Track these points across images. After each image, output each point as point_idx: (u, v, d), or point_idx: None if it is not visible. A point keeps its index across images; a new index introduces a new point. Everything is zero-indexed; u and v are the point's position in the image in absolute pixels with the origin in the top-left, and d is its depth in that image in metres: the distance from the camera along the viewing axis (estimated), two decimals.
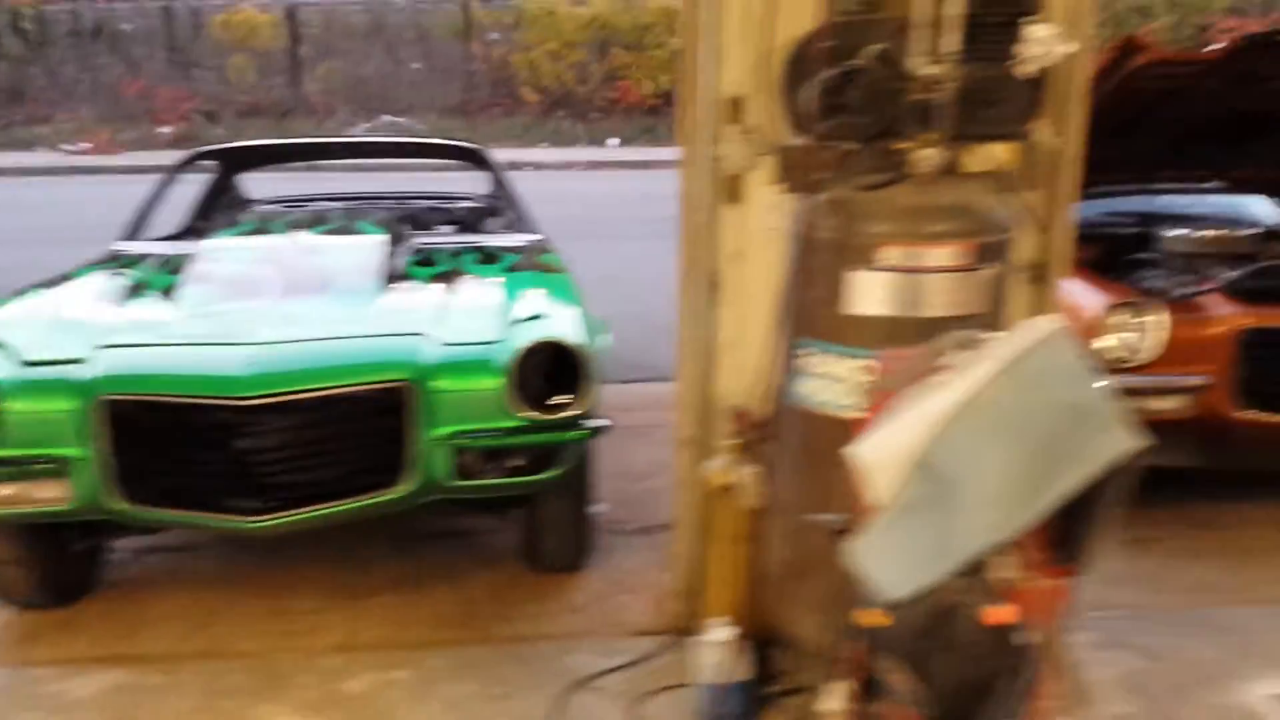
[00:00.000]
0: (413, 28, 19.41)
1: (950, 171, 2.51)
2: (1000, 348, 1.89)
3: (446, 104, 18.64)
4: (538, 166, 14.63)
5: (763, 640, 2.97)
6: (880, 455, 1.85)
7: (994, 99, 2.43)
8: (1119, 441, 1.79)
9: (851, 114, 2.42)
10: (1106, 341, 3.71)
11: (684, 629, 3.20)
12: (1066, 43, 2.37)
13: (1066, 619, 2.44)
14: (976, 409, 1.81)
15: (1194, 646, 3.29)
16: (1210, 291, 3.91)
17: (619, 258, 8.24)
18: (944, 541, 1.79)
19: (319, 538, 3.85)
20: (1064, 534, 2.08)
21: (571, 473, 3.43)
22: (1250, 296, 3.86)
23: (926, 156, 2.40)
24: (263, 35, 18.88)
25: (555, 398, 3.24)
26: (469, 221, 5.19)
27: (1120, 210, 4.92)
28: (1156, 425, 3.77)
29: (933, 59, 2.32)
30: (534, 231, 4.64)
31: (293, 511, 3.13)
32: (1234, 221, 4.71)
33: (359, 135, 15.85)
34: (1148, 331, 3.71)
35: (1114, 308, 3.71)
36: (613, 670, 3.14)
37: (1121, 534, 3.89)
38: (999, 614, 1.80)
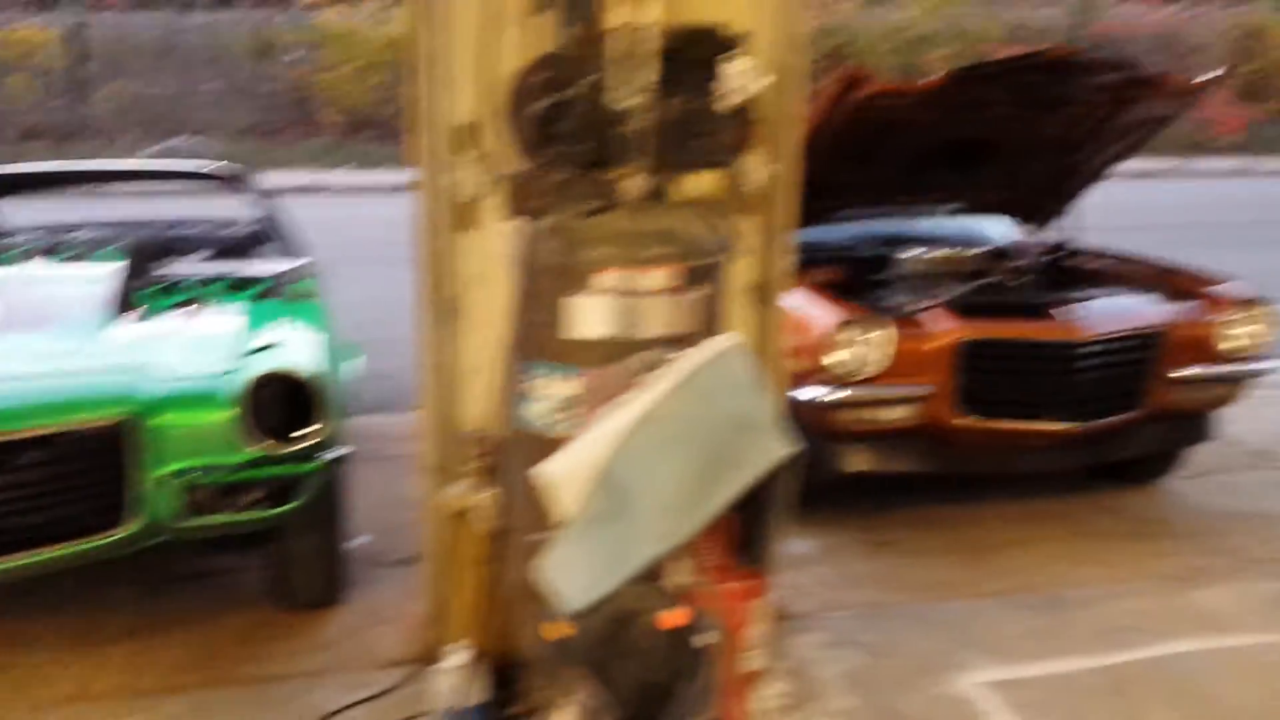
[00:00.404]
0: (207, 47, 18.70)
1: (664, 198, 2.66)
2: (680, 365, 2.01)
3: (243, 125, 18.00)
4: (338, 190, 14.34)
5: (507, 662, 3.01)
6: (566, 472, 1.94)
7: (700, 130, 2.57)
8: (775, 449, 1.92)
9: (566, 143, 2.52)
10: (837, 356, 3.93)
11: (434, 657, 3.20)
12: (761, 77, 2.54)
13: (762, 618, 2.60)
14: (652, 423, 1.92)
15: (917, 640, 3.52)
16: (934, 307, 4.20)
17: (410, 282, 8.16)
18: (622, 551, 1.88)
19: (55, 585, 3.67)
20: (744, 539, 2.23)
21: (317, 505, 3.38)
22: (968, 311, 4.17)
23: (635, 185, 2.52)
24: (45, 54, 17.84)
25: (301, 428, 3.20)
26: (237, 248, 5.05)
27: (866, 233, 5.23)
28: (890, 434, 4.11)
29: (631, 92, 2.44)
30: (297, 257, 4.57)
31: (8, 558, 2.98)
32: (968, 241, 5.07)
33: (149, 157, 15.13)
34: (873, 346, 3.95)
35: (842, 324, 3.94)
36: (357, 704, 3.11)
37: (864, 536, 4.22)
38: (673, 618, 1.91)
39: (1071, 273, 5.02)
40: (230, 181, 5.09)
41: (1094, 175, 5.03)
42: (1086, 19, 20.04)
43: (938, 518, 4.50)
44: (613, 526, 1.90)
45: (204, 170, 5.34)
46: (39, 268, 3.76)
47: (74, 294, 3.55)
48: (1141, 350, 4.21)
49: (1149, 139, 4.80)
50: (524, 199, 2.67)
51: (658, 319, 2.53)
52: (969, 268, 4.74)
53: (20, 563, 3.02)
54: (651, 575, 1.93)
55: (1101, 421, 4.19)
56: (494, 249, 3.05)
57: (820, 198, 4.84)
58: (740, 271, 3.24)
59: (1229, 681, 3.26)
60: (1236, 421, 5.41)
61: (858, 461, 4.23)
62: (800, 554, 4.16)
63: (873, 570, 4.06)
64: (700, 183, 2.72)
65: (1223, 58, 18.76)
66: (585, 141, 2.51)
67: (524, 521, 2.76)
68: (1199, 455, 4.97)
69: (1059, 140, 4.78)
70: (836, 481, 4.43)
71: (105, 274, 3.70)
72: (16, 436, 2.94)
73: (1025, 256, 5.17)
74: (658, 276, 2.52)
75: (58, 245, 4.12)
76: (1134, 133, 4.73)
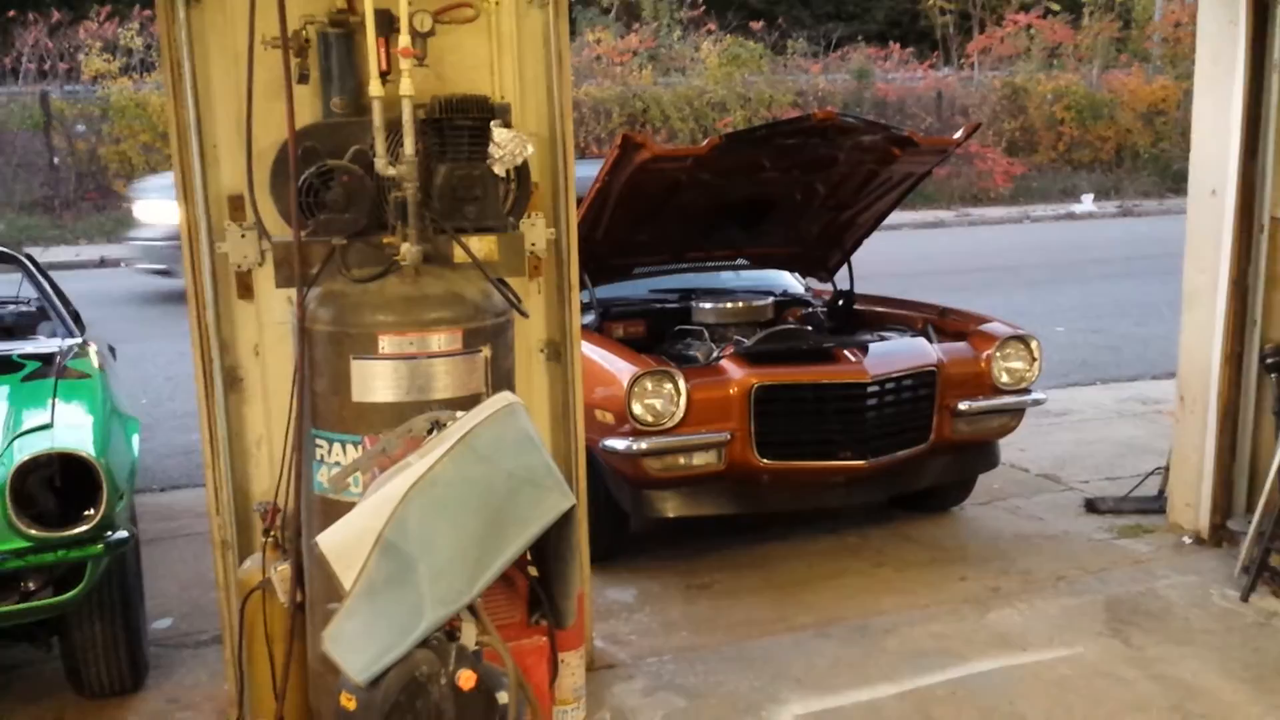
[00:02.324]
0: None
1: (444, 262, 2.68)
2: (456, 426, 2.02)
3: (29, 199, 17.12)
4: (129, 264, 13.71)
5: None
6: (342, 541, 1.92)
7: (472, 195, 2.62)
8: (556, 503, 1.96)
9: (333, 211, 2.53)
10: (636, 407, 4.02)
11: None
12: (526, 145, 2.62)
13: (576, 671, 2.62)
14: (430, 485, 1.93)
15: (733, 680, 3.60)
16: (726, 356, 4.35)
17: None
18: (406, 617, 1.87)
19: None
20: (543, 595, 2.25)
21: (106, 589, 3.25)
22: (759, 358, 4.34)
23: (410, 250, 2.54)
24: None
25: (79, 511, 3.05)
26: (13, 327, 4.81)
27: (665, 288, 5.39)
28: (697, 478, 4.21)
29: (392, 160, 2.47)
30: (75, 335, 4.37)
31: None
32: (758, 293, 5.29)
33: None
34: (667, 396, 4.06)
35: (636, 377, 4.04)
36: None
37: (682, 581, 4.30)
38: (469, 679, 1.90)
39: (854, 318, 5.30)
40: (4, 260, 4.83)
41: (868, 227, 5.34)
42: (865, 84, 21.30)
43: (751, 558, 4.63)
44: (395, 593, 1.88)
45: None
46: None
47: None
48: (922, 387, 4.46)
49: (910, 192, 5.12)
50: (293, 268, 2.65)
51: (443, 381, 2.54)
52: (760, 318, 4.94)
53: None
54: (447, 637, 1.92)
55: (890, 456, 4.40)
56: (270, 318, 3.02)
57: (618, 255, 5.01)
58: (531, 331, 3.30)
59: (1027, 697, 3.45)
60: (1025, 449, 5.86)
61: (669, 507, 4.31)
62: (620, 602, 4.22)
63: (690, 614, 4.13)
64: (481, 246, 2.76)
65: (990, 116, 20.31)
66: (353, 209, 2.53)
67: (322, 592, 2.71)
68: (991, 482, 5.31)
69: (830, 197, 5.06)
70: (655, 528, 4.50)
71: None
72: None
73: (811, 305, 5.43)
74: (439, 339, 2.54)
75: None
76: (897, 187, 5.05)
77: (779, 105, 19.68)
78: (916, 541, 4.82)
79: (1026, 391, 4.70)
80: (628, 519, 4.53)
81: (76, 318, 4.70)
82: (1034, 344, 4.68)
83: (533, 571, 2.33)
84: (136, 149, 17.18)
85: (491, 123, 2.59)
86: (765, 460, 4.20)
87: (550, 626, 2.30)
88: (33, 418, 3.23)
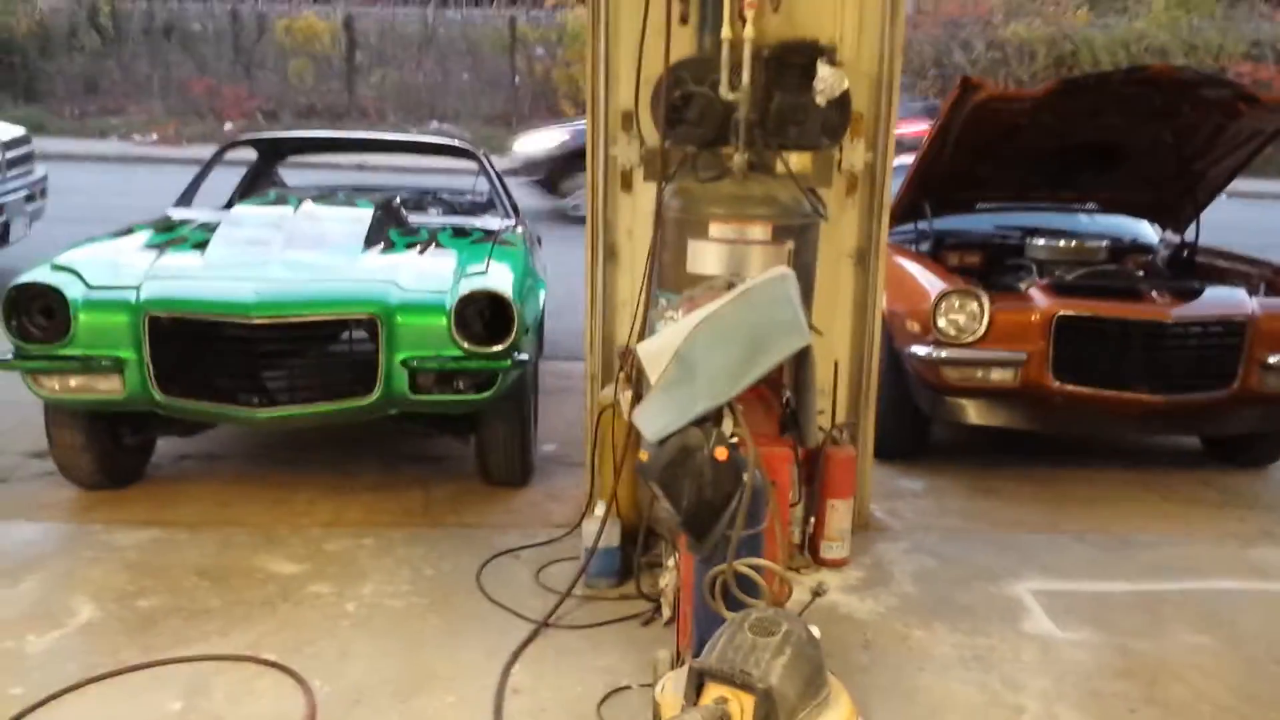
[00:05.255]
0: (462, 40, 20.60)
1: (767, 171, 3.49)
2: (743, 285, 2.85)
3: (491, 113, 19.77)
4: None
5: (638, 527, 3.90)
6: (655, 351, 2.81)
7: (796, 120, 3.40)
8: (795, 341, 2.74)
9: (691, 126, 3.41)
10: (941, 321, 4.61)
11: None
12: (843, 81, 3.34)
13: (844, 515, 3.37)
14: (715, 320, 2.76)
15: (984, 557, 4.18)
16: (1037, 285, 4.80)
17: None
18: (686, 404, 2.73)
19: (317, 453, 4.89)
20: (788, 419, 3.05)
21: (510, 402, 4.39)
22: (1066, 291, 4.74)
23: (741, 159, 3.37)
24: (322, 41, 20.15)
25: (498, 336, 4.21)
26: (469, 210, 6.23)
27: (1006, 224, 5.83)
28: (992, 391, 4.74)
29: (740, 89, 3.29)
30: (511, 219, 5.67)
31: (289, 407, 4.13)
32: (1098, 236, 5.58)
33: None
34: (971, 314, 4.59)
35: (942, 294, 4.61)
36: (528, 546, 4.11)
37: (968, 483, 4.86)
38: (722, 453, 2.72)
39: (1192, 269, 5.45)
40: (471, 156, 6.26)
41: (1219, 183, 5.43)
42: None
43: (1041, 475, 5.08)
44: (681, 388, 2.74)
45: (458, 145, 6.54)
46: (314, 208, 4.93)
47: (340, 229, 4.68)
48: (1230, 335, 4.65)
49: (1262, 150, 5.16)
50: (660, 167, 3.56)
51: (755, 264, 3.36)
52: (1091, 258, 5.27)
53: (301, 411, 4.15)
54: (712, 423, 2.76)
55: (1187, 396, 4.65)
56: (642, 207, 3.97)
57: (959, 190, 5.53)
58: (843, 238, 4.03)
59: (1254, 614, 3.74)
60: None
61: (965, 414, 4.83)
62: (908, 489, 4.88)
63: (967, 508, 4.71)
64: (797, 161, 3.52)
65: None
66: (705, 125, 3.39)
67: None
68: None
69: (1177, 148, 5.22)
70: (958, 437, 5.01)
71: (362, 216, 4.84)
72: (301, 320, 4.08)
73: (1150, 252, 5.63)
74: (756, 230, 3.36)
75: (328, 194, 5.31)
76: (1247, 144, 5.13)
77: (1228, 55, 18.18)
78: (1212, 486, 5.03)
79: None
80: (929, 426, 5.11)
81: (515, 207, 6.01)
82: None
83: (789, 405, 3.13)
84: (582, 73, 19.09)
85: (818, 61, 3.33)
86: (1058, 383, 4.62)
87: (795, 443, 3.09)
88: (474, 267, 4.43)
